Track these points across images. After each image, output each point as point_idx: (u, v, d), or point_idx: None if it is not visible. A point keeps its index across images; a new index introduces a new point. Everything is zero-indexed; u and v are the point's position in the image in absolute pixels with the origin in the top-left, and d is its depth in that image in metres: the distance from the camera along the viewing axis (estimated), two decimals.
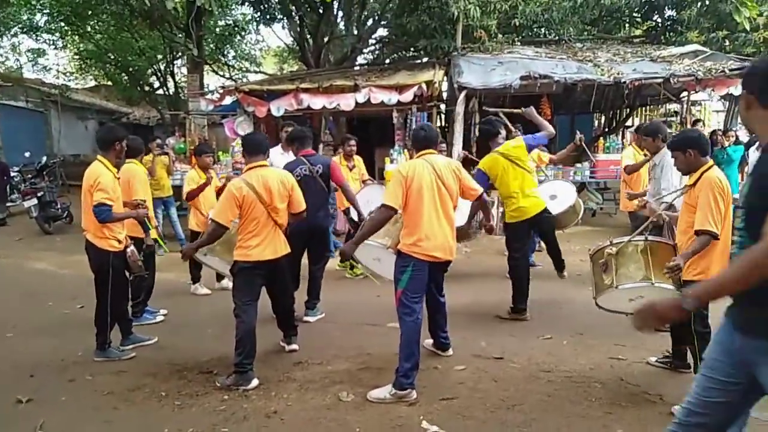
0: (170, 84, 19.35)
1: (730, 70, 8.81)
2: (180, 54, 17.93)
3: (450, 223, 3.88)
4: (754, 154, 6.45)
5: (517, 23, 11.72)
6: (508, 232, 5.54)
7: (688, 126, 10.38)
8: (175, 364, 4.26)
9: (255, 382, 3.84)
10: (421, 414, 3.44)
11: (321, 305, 5.41)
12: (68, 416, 3.50)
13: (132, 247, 4.46)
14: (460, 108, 9.07)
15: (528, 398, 3.66)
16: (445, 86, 10.45)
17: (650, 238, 3.81)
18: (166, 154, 9.05)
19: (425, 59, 12.26)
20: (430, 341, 4.43)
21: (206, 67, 15.99)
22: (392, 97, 9.35)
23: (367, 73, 11.13)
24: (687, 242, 3.51)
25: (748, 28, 10.39)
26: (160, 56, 18.58)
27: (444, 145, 7.52)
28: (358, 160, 7.04)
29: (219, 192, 5.94)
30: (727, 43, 11.31)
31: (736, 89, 9.06)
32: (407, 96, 9.32)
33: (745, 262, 1.80)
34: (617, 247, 3.74)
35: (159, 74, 19.46)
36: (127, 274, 4.52)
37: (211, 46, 17.16)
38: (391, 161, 9.28)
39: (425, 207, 3.75)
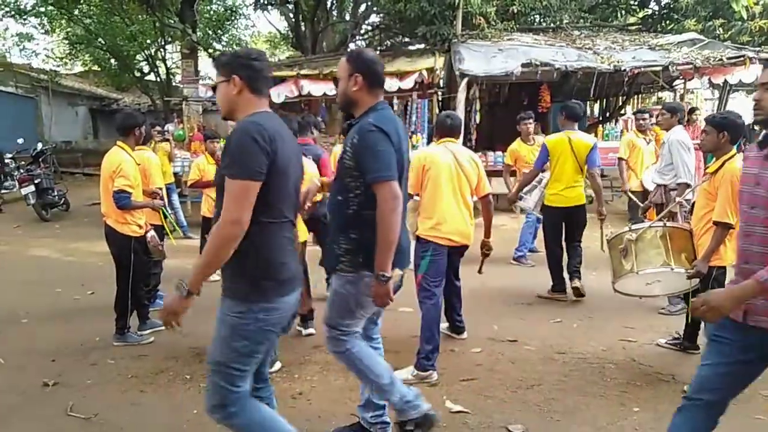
0: (161, 70, 19.18)
1: (728, 58, 8.92)
2: (171, 39, 17.76)
3: (468, 209, 3.97)
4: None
5: (515, 10, 11.75)
6: (545, 216, 5.70)
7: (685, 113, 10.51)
8: (194, 348, 4.30)
9: (278, 365, 3.90)
10: (443, 394, 3.54)
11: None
12: (96, 399, 3.54)
13: (152, 232, 4.51)
14: (461, 95, 9.11)
15: (545, 379, 3.76)
16: (442, 73, 10.47)
17: (668, 224, 3.88)
18: (167, 140, 9.02)
19: (422, 46, 12.25)
20: (445, 325, 4.52)
21: (200, 53, 15.83)
22: (393, 84, 9.35)
23: None
24: (704, 228, 3.63)
25: (744, 16, 10.51)
26: (150, 41, 18.38)
27: None
28: None
29: None
30: (722, 31, 11.42)
31: (732, 77, 9.21)
32: (408, 83, 9.34)
33: None
34: (636, 233, 3.80)
35: (150, 60, 19.26)
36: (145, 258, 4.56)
37: (207, 31, 16.98)
38: None
39: (444, 191, 3.83)
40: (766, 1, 11.07)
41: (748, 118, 11.74)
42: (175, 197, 8.82)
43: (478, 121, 9.87)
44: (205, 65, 20.06)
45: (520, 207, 5.81)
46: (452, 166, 3.88)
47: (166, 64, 19.31)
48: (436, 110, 9.82)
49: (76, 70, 23.00)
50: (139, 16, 16.48)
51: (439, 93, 10.00)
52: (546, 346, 4.30)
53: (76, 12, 17.32)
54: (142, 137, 4.48)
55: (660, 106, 13.13)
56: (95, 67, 21.81)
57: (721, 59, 8.94)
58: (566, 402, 3.45)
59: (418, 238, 3.90)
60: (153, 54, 19.06)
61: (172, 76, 19.71)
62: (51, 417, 3.33)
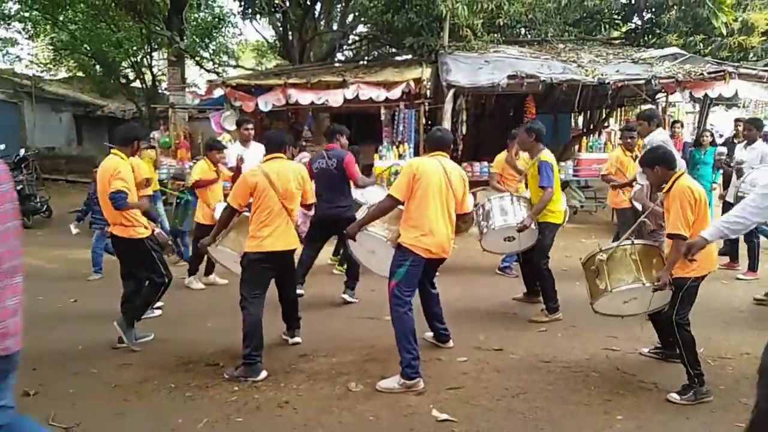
0: (147, 77, 19.06)
1: (708, 73, 9.10)
2: (157, 46, 17.68)
3: (451, 223, 4.05)
4: (740, 152, 6.69)
5: (501, 23, 11.87)
6: (545, 232, 5.23)
7: (667, 127, 10.71)
8: (179, 357, 4.28)
9: (263, 374, 3.89)
10: (430, 402, 3.55)
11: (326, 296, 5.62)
12: (78, 408, 3.50)
13: (158, 229, 4.65)
14: (448, 106, 9.17)
15: (531, 387, 3.79)
16: (429, 84, 10.56)
17: (636, 242, 3.98)
18: (153, 147, 8.97)
19: (410, 56, 12.35)
20: (430, 334, 4.55)
21: (187, 61, 15.79)
22: (380, 94, 9.41)
23: (353, 69, 11.17)
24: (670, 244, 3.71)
25: (724, 32, 10.74)
26: (136, 48, 18.28)
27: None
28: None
29: (233, 180, 6.13)
30: (703, 46, 11.66)
31: (712, 91, 9.39)
32: (395, 93, 9.39)
33: None
34: (607, 254, 3.91)
35: (136, 66, 19.14)
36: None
37: (194, 38, 16.94)
38: (380, 158, 9.36)
39: (432, 204, 3.87)
40: (745, 17, 11.32)
41: (727, 131, 11.83)
42: (160, 205, 8.73)
43: (464, 131, 9.92)
44: (192, 73, 20.05)
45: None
46: (442, 180, 3.93)
47: (152, 71, 19.19)
48: (423, 120, 9.89)
49: (61, 75, 22.76)
50: (126, 23, 16.40)
51: (426, 104, 10.06)
52: (531, 354, 4.34)
53: (61, 18, 17.18)
54: (140, 149, 4.59)
55: (641, 121, 13.36)
56: (80, 73, 21.60)
57: (701, 74, 9.12)
58: (551, 410, 3.48)
59: (398, 246, 3.94)
60: (139, 61, 18.94)
61: (158, 83, 19.59)
62: None
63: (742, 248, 6.62)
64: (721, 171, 8.33)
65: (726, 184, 7.97)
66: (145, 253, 4.45)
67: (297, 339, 4.54)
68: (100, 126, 20.90)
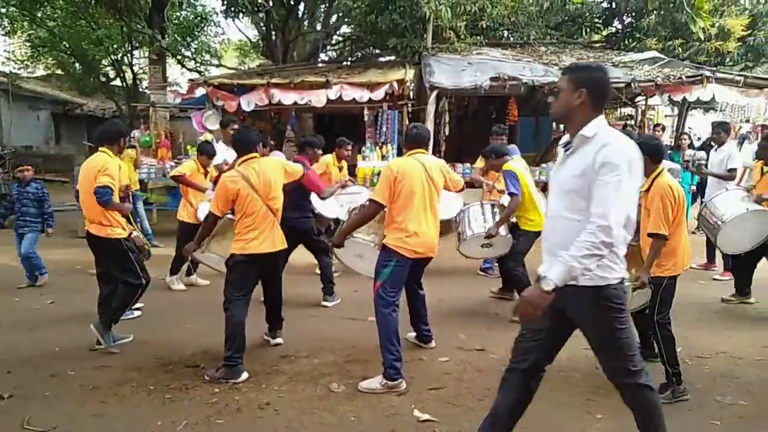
0: (128, 75, 18.84)
1: (687, 77, 9.26)
2: (138, 44, 17.48)
3: (435, 220, 4.05)
4: (714, 155, 6.82)
5: (484, 25, 11.96)
6: (520, 239, 5.35)
7: (647, 129, 10.86)
8: (159, 359, 4.22)
9: (245, 375, 3.86)
10: (411, 403, 3.55)
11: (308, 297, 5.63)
12: (55, 411, 3.44)
13: (136, 232, 4.53)
14: (431, 107, 9.21)
15: None
16: (412, 85, 10.57)
17: None
18: (133, 147, 8.86)
19: (393, 57, 12.37)
20: (413, 334, 4.55)
21: (168, 59, 15.62)
22: (364, 95, 9.42)
23: (336, 69, 11.16)
24: (648, 243, 3.74)
25: (702, 37, 10.94)
26: (117, 46, 18.05)
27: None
28: (344, 163, 7.11)
29: (214, 182, 6.05)
30: (681, 51, 11.87)
31: (691, 95, 9.56)
32: (378, 94, 9.41)
33: None
34: None
35: (116, 64, 18.90)
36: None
37: (176, 37, 16.77)
38: (364, 158, 9.35)
39: (415, 204, 3.87)
40: (722, 23, 11.54)
41: (704, 135, 12.05)
42: (140, 205, 8.65)
43: (447, 133, 9.97)
44: (174, 71, 19.85)
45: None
46: (423, 179, 3.94)
47: (132, 70, 18.98)
48: (406, 121, 9.90)
49: (39, 73, 22.40)
50: (106, 21, 16.18)
51: (410, 105, 10.08)
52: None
53: (40, 14, 16.89)
54: (125, 146, 4.51)
55: (623, 122, 13.56)
56: (59, 71, 21.28)
57: (680, 78, 9.27)
58: (532, 410, 3.46)
59: (383, 247, 3.93)
60: (119, 59, 18.71)
61: (138, 82, 19.38)
62: (6, 430, 3.21)
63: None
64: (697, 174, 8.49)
65: (703, 188, 8.14)
66: (121, 253, 4.37)
67: (279, 340, 4.52)
68: (79, 125, 20.60)
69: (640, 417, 2.62)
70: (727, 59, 12.31)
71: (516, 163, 5.44)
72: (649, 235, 3.63)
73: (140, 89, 19.05)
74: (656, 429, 2.60)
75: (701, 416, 3.43)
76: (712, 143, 8.35)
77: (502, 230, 5.25)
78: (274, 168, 4.16)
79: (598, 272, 2.34)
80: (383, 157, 9.37)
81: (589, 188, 2.31)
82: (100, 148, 4.40)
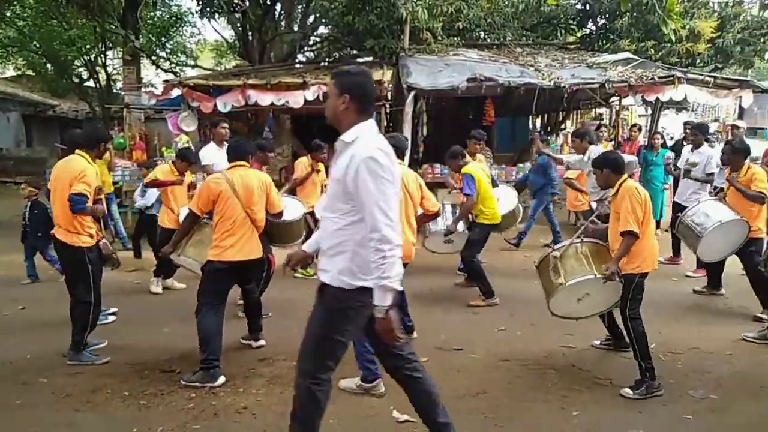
0: (101, 76, 18.51)
1: (659, 77, 9.43)
2: (112, 45, 17.19)
3: (413, 229, 4.18)
4: (687, 155, 6.90)
5: (461, 26, 12.02)
6: (476, 230, 5.81)
7: (621, 129, 11.05)
8: (134, 364, 4.16)
9: (222, 379, 3.82)
10: (391, 404, 3.54)
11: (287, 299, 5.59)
12: (26, 420, 3.36)
13: (104, 240, 4.40)
14: (408, 108, 9.22)
15: (491, 386, 3.84)
16: (390, 86, 10.59)
17: (585, 239, 4.22)
18: (107, 149, 8.69)
19: (370, 58, 12.37)
20: None
21: (143, 60, 15.39)
22: None
23: (314, 70, 11.11)
24: (618, 243, 3.87)
25: (673, 39, 11.12)
26: (90, 46, 17.72)
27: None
28: (321, 166, 7.05)
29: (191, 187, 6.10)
30: (654, 52, 12.08)
31: (663, 96, 9.73)
32: None
33: None
34: (560, 251, 4.13)
35: (89, 65, 18.55)
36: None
37: (150, 37, 16.52)
38: None
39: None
40: (692, 25, 11.77)
41: (677, 134, 12.28)
42: (114, 208, 8.51)
43: (425, 133, 10.02)
44: (148, 72, 19.56)
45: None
46: (401, 192, 3.91)
47: (106, 70, 18.65)
48: (384, 123, 9.93)
49: (8, 74, 21.91)
50: (78, 21, 15.87)
51: (387, 106, 10.10)
52: (491, 354, 4.40)
53: (8, 13, 16.49)
54: (105, 152, 4.41)
55: (597, 122, 13.77)
56: (29, 72, 20.82)
57: (653, 78, 9.43)
58: (510, 408, 3.54)
59: None
60: (93, 59, 18.35)
61: (112, 83, 19.06)
62: None
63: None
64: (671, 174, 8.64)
65: (675, 186, 8.28)
66: (80, 264, 4.17)
67: (261, 342, 4.52)
68: (51, 126, 20.18)
69: (295, 417, 2.71)
70: (698, 60, 12.56)
71: (474, 165, 5.86)
72: (621, 233, 3.76)
73: (114, 90, 18.73)
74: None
75: (674, 410, 3.50)
76: (685, 143, 8.53)
77: (460, 227, 5.82)
78: (260, 179, 4.20)
79: (339, 275, 2.46)
80: None
81: (344, 192, 2.41)
82: (77, 151, 4.24)
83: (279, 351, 4.40)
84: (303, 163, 6.71)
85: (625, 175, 3.99)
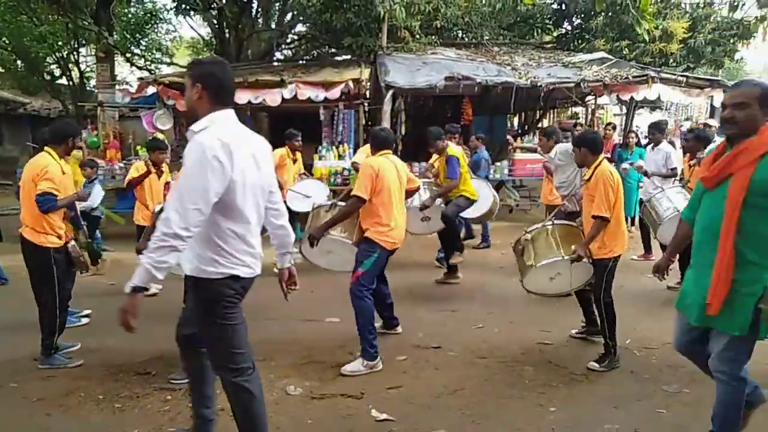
0: (74, 73, 18.14)
1: (633, 77, 9.57)
2: (85, 42, 16.87)
3: (405, 214, 4.42)
4: (651, 154, 7.02)
5: (439, 25, 12.07)
6: (460, 199, 6.13)
7: (597, 128, 11.18)
8: (108, 367, 4.09)
9: None
10: (369, 403, 3.55)
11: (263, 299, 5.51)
12: None
13: (73, 242, 4.28)
14: (387, 107, 9.23)
15: (468, 383, 3.86)
16: (368, 84, 10.59)
17: (556, 222, 4.46)
18: (80, 148, 8.55)
19: (348, 57, 12.35)
20: (379, 323, 4.63)
21: (117, 57, 15.13)
22: (319, 94, 9.36)
23: (291, 68, 11.05)
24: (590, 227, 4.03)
25: (647, 39, 11.33)
26: (62, 43, 17.34)
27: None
28: (298, 155, 7.24)
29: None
30: (628, 52, 12.27)
31: (637, 95, 9.89)
32: (334, 93, 9.37)
33: None
34: (531, 234, 4.36)
35: (61, 62, 18.17)
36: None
37: (124, 34, 16.25)
38: (320, 158, 9.30)
39: (394, 200, 4.18)
40: (665, 26, 11.98)
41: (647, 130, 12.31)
42: None
43: (403, 132, 10.03)
44: (123, 70, 19.23)
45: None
46: (396, 176, 4.25)
47: (79, 68, 18.27)
48: (363, 121, 9.91)
49: None
50: (49, 16, 15.53)
51: (366, 104, 10.09)
52: (468, 351, 4.42)
53: None
54: (74, 148, 4.32)
55: (573, 121, 13.93)
56: None
57: (627, 78, 9.59)
58: (487, 405, 3.56)
59: (365, 239, 4.16)
60: (65, 56, 17.98)
61: (86, 80, 18.69)
62: None
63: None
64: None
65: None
66: (46, 266, 4.06)
67: None
68: (22, 125, 19.70)
69: (236, 413, 2.70)
70: (671, 60, 12.80)
71: (456, 147, 6.23)
72: (593, 217, 3.91)
73: (87, 88, 18.37)
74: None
75: (649, 405, 3.56)
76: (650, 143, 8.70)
77: (438, 201, 5.93)
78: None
79: (202, 265, 2.43)
80: (339, 157, 9.35)
81: None
82: (45, 148, 4.16)
83: (256, 351, 4.30)
84: (279, 154, 6.93)
85: (601, 157, 4.11)
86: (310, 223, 4.73)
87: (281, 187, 6.49)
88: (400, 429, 3.27)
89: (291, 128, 7.29)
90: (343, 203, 4.64)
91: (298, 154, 7.23)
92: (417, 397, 3.66)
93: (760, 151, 2.44)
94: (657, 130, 7.01)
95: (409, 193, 4.76)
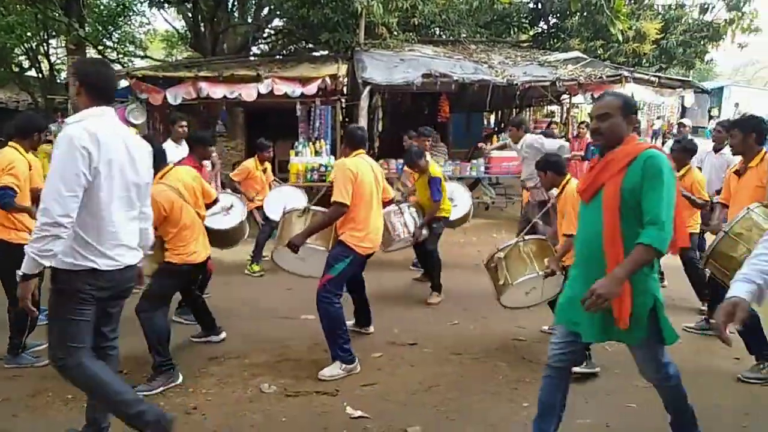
0: (44, 65, 17.70)
1: (607, 76, 9.71)
2: (55, 33, 16.46)
3: (381, 218, 4.29)
4: None
5: (416, 22, 12.06)
6: (439, 225, 5.91)
7: (571, 126, 11.33)
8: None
9: (180, 376, 3.77)
10: (344, 400, 3.54)
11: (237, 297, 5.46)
12: None
13: None
14: (364, 103, 9.19)
15: (442, 380, 3.88)
16: (345, 81, 10.54)
17: (527, 237, 4.41)
18: (50, 142, 8.35)
19: (326, 52, 12.28)
20: (351, 322, 4.61)
21: (89, 50, 14.80)
22: (296, 90, 9.28)
23: (268, 63, 10.92)
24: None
25: (620, 39, 11.50)
26: (31, 34, 16.89)
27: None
28: (267, 165, 7.05)
29: None
30: (602, 51, 12.44)
31: None
32: (311, 89, 9.29)
33: None
34: (504, 252, 4.29)
35: (30, 54, 17.71)
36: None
37: (95, 26, 15.88)
38: (296, 154, 9.23)
39: (372, 204, 4.01)
40: (638, 26, 12.18)
41: None
42: None
43: (380, 129, 10.02)
44: None
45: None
46: (373, 179, 4.07)
47: (49, 59, 17.85)
48: (340, 117, 9.86)
49: None
50: (18, 6, 15.11)
51: (343, 100, 10.04)
52: (443, 347, 4.44)
53: None
54: (39, 143, 4.22)
55: (548, 119, 14.07)
56: None
57: (601, 77, 9.71)
58: (461, 401, 3.58)
59: (340, 242, 3.97)
60: (34, 48, 17.53)
61: (56, 73, 18.26)
62: None
63: None
64: None
65: None
66: (16, 263, 3.94)
67: (223, 335, 4.53)
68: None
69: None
70: (644, 60, 13.01)
71: (438, 167, 5.90)
72: (564, 235, 3.98)
73: (58, 80, 17.96)
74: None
75: (620, 400, 3.62)
76: None
77: (425, 230, 5.65)
78: (190, 174, 4.16)
79: (62, 256, 2.49)
80: (316, 153, 9.29)
81: None
82: (10, 143, 4.06)
83: (230, 349, 4.33)
84: (248, 167, 6.81)
85: (568, 176, 4.19)
86: (281, 229, 4.44)
87: (250, 200, 6.43)
88: (375, 426, 3.27)
89: (262, 138, 7.03)
90: (317, 208, 4.45)
91: (267, 164, 7.06)
92: (392, 393, 3.67)
93: (626, 160, 2.47)
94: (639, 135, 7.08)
95: (385, 204, 4.61)
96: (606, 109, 2.55)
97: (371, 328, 4.72)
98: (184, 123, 6.45)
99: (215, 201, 4.36)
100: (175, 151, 6.01)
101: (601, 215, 2.49)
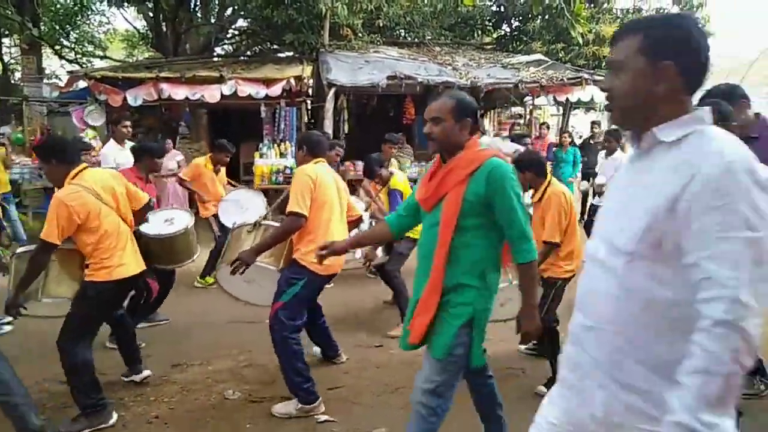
0: None
1: (568, 79, 9.91)
2: (8, 32, 15.93)
3: (346, 233, 3.65)
4: (607, 163, 6.80)
5: (381, 24, 12.10)
6: (403, 245, 5.03)
7: (534, 128, 11.52)
8: (32, 376, 3.86)
9: (115, 415, 3.32)
10: None
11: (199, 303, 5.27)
12: None
13: None
14: (329, 105, 9.17)
15: (409, 381, 3.83)
16: (310, 82, 10.50)
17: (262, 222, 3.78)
18: (3, 145, 8.07)
19: (290, 53, 12.19)
20: (318, 349, 4.25)
21: (45, 49, 14.36)
22: (260, 91, 9.19)
23: (231, 64, 10.78)
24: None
25: (581, 42, 11.75)
26: None
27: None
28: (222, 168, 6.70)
29: None
30: (563, 54, 12.69)
31: (572, 96, 10.24)
32: (275, 90, 9.22)
33: None
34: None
35: None
36: None
37: (52, 25, 15.42)
38: (261, 156, 9.14)
39: (334, 216, 3.49)
40: (598, 29, 12.47)
41: (585, 132, 12.91)
42: (12, 208, 7.90)
43: (346, 131, 9.98)
44: (53, 62, 18.27)
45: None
46: (335, 190, 3.57)
47: (2, 59, 17.24)
48: (305, 119, 9.81)
49: None
50: None
51: (308, 102, 9.99)
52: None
53: None
54: None
55: (512, 121, 14.27)
56: None
57: (562, 79, 9.91)
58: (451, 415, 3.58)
59: (293, 262, 3.42)
60: None
61: (10, 73, 17.66)
62: None
63: None
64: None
65: (584, 178, 8.89)
66: None
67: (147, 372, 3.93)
68: None
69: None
70: (603, 63, 13.32)
71: (401, 176, 5.38)
72: (544, 242, 3.66)
73: (12, 81, 17.37)
74: None
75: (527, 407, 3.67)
76: (595, 140, 9.06)
77: (379, 251, 4.90)
78: (114, 176, 3.60)
79: None
80: (281, 155, 9.22)
81: None
82: None
83: (193, 356, 4.26)
84: (197, 164, 6.38)
85: (549, 177, 3.85)
86: (228, 245, 3.76)
87: (202, 201, 6.16)
88: (341, 429, 3.26)
89: (224, 140, 6.43)
90: (269, 222, 3.78)
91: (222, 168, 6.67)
92: (358, 396, 3.66)
93: (469, 169, 2.32)
94: (614, 138, 6.58)
95: (352, 224, 3.83)
96: (436, 113, 2.38)
97: (343, 357, 4.24)
98: (128, 123, 6.20)
99: (148, 205, 3.72)
100: (119, 153, 5.83)
101: (436, 231, 2.34)
